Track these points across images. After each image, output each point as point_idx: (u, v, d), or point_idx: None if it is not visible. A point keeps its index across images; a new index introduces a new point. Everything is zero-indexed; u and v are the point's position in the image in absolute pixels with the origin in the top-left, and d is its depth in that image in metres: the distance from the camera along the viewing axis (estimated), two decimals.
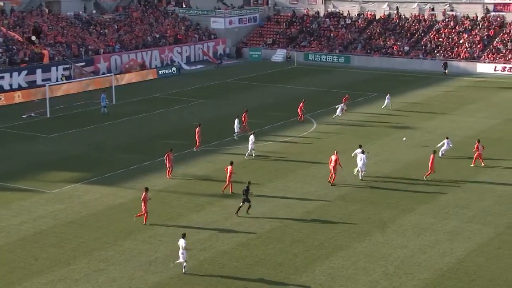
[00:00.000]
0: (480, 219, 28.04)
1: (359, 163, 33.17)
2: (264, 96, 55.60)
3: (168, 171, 34.01)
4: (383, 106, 48.57)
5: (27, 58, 58.04)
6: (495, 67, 64.47)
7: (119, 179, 33.82)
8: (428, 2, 74.07)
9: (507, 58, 64.94)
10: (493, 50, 66.46)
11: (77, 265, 24.11)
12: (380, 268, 23.62)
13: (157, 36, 72.26)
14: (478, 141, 35.50)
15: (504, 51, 65.88)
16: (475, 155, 35.10)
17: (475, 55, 66.69)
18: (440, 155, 36.47)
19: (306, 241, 26.02)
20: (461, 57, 66.95)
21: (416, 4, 74.64)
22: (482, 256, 24.46)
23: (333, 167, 32.70)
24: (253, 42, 79.07)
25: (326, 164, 35.79)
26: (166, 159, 33.92)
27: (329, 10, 79.50)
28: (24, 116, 48.05)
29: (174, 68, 67.64)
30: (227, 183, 31.49)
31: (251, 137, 37.47)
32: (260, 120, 45.28)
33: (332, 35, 75.56)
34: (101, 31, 68.82)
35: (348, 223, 27.84)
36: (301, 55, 73.31)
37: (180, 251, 23.35)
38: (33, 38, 54.90)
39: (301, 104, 46.23)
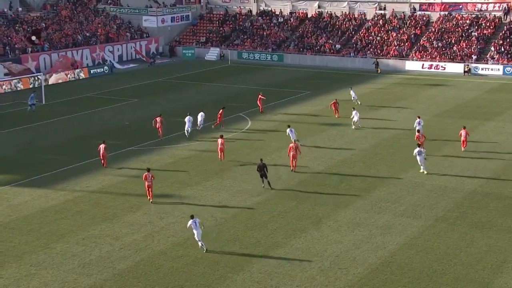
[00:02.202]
0: (411, 212, 28.84)
1: (421, 161, 33.66)
2: (199, 94, 55.35)
3: (103, 161, 34.74)
4: (415, 126, 40.09)
5: None
6: (423, 64, 66.46)
7: (51, 181, 32.97)
8: (358, 1, 75.54)
9: (433, 56, 67.07)
10: (420, 48, 68.50)
11: (6, 270, 23.33)
12: (316, 264, 23.93)
13: (88, 34, 70.77)
14: (464, 128, 37.80)
15: (430, 49, 68.02)
16: (463, 139, 37.35)
17: (403, 53, 68.58)
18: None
19: (242, 239, 26.07)
20: (391, 55, 68.69)
21: (346, 3, 76.04)
22: (413, 248, 25.16)
23: (293, 155, 33.92)
24: (186, 40, 78.63)
25: (264, 160, 36.00)
26: (99, 150, 34.89)
27: (262, 8, 79.98)
28: None
29: (106, 67, 66.47)
30: (223, 153, 35.65)
31: (188, 118, 40.61)
32: (195, 119, 45.06)
33: (265, 33, 76.03)
34: (28, 29, 66.79)
35: (284, 220, 28.06)
36: (234, 53, 73.43)
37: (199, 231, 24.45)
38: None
39: (259, 95, 47.60)
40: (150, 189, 30.01)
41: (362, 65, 67.88)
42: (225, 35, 77.58)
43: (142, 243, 25.66)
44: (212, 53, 75.04)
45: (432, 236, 26.31)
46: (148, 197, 30.13)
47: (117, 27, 74.96)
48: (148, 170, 30.49)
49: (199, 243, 24.75)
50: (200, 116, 42.54)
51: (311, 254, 24.68)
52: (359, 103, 48.73)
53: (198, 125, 42.30)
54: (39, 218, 28.02)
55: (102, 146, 34.93)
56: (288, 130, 38.19)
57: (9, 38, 63.32)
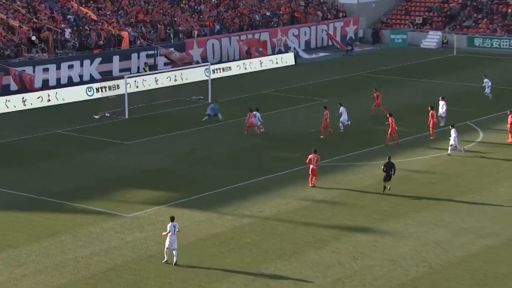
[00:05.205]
0: None
1: None
2: (410, 94, 54.90)
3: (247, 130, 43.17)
4: None
5: (101, 42, 60.40)
6: None
7: (215, 201, 34.37)
8: None
9: None
10: None
11: None
12: None
13: (268, 14, 73.12)
14: (432, 108, 42.97)
15: None
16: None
17: None
18: None
19: None
20: None
21: None
22: None
23: None
24: (396, 22, 78.37)
25: (496, 189, 34.71)
26: (248, 119, 43.64)
27: None
28: (96, 117, 49.97)
29: (289, 56, 68.12)
30: (393, 133, 41.59)
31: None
32: (402, 127, 44.66)
33: (510, 10, 73.34)
34: (196, 8, 70.50)
35: None
36: (463, 39, 71.93)
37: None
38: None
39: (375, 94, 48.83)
40: (314, 173, 35.36)
41: None
42: (451, 13, 76.08)
43: None
44: (431, 39, 74.04)
45: None
46: (310, 183, 35.52)
47: (305, 4, 76.66)
48: (315, 151, 35.31)
49: (170, 250, 27.44)
50: (444, 106, 45.26)
51: None
52: (490, 97, 51.30)
53: (442, 114, 45.12)
54: (200, 249, 29.29)
55: (251, 114, 43.52)
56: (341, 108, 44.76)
57: (173, 18, 67.27)
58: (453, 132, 40.05)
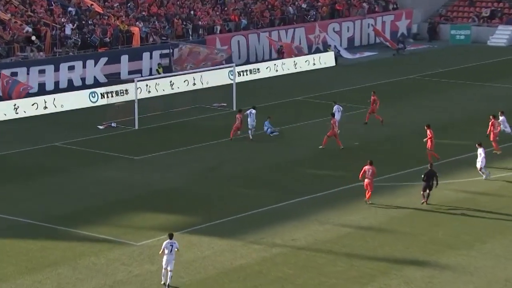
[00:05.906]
0: None
1: None
2: (472, 101, 54.73)
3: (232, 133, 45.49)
4: None
5: (108, 39, 60.71)
6: None
7: (240, 227, 34.32)
8: None
9: None
10: None
11: None
12: None
13: (304, 6, 73.13)
14: (494, 117, 42.95)
15: None
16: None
17: None
18: None
19: None
20: None
21: None
22: None
23: None
24: (457, 14, 78.06)
25: None
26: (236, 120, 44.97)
27: None
28: (101, 127, 50.25)
29: (328, 56, 68.06)
30: (431, 149, 41.25)
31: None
32: (463, 140, 44.32)
33: None
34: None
35: None
36: None
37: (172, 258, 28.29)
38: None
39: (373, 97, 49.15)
40: (369, 187, 36.16)
41: None
42: None
43: None
44: (501, 35, 73.79)
45: None
46: (366, 198, 36.31)
47: None
48: (371, 163, 36.25)
49: (168, 273, 28.03)
50: (504, 122, 44.26)
51: None
52: None
53: (505, 129, 44.50)
54: (225, 285, 29.14)
55: (239, 116, 45.31)
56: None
57: (192, 11, 67.42)
58: (481, 151, 39.57)
